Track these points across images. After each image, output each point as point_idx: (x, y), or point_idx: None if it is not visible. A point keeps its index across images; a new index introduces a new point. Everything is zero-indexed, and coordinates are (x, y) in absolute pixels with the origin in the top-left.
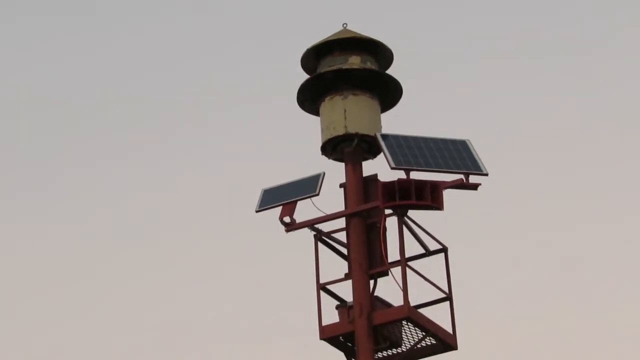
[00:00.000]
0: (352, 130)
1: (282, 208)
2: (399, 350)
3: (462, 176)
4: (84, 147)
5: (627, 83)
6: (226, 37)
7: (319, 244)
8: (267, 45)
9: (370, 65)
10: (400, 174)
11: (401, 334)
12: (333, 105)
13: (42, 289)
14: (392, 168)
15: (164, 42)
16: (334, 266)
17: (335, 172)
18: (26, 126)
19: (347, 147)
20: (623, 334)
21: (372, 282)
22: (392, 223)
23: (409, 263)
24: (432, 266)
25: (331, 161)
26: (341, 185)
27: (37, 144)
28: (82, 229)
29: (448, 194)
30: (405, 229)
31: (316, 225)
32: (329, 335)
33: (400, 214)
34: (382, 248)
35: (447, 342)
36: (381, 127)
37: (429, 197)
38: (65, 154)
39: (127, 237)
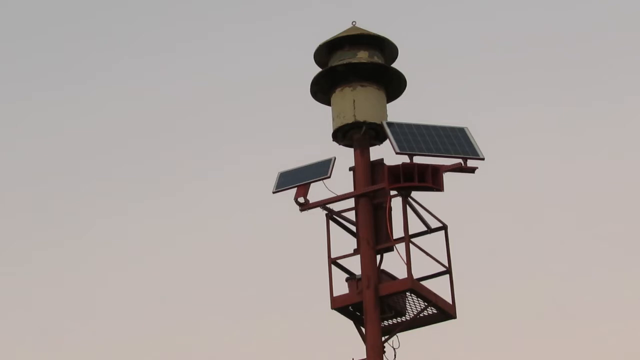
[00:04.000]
0: (360, 118)
1: (297, 189)
2: (403, 318)
3: (460, 160)
4: None
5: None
6: (247, 32)
7: (330, 222)
8: (284, 40)
9: (377, 59)
10: (405, 159)
11: (405, 304)
12: (343, 95)
13: None
14: (397, 153)
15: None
16: (344, 242)
17: (345, 156)
18: None
19: (356, 134)
20: (621, 303)
21: (378, 257)
22: (396, 203)
23: (412, 239)
24: (433, 242)
25: (341, 147)
26: (350, 169)
27: None
28: None
29: (448, 177)
30: (408, 208)
31: (328, 205)
32: (339, 305)
33: (404, 194)
34: (388, 226)
35: (447, 312)
36: (387, 115)
37: (431, 179)
38: None
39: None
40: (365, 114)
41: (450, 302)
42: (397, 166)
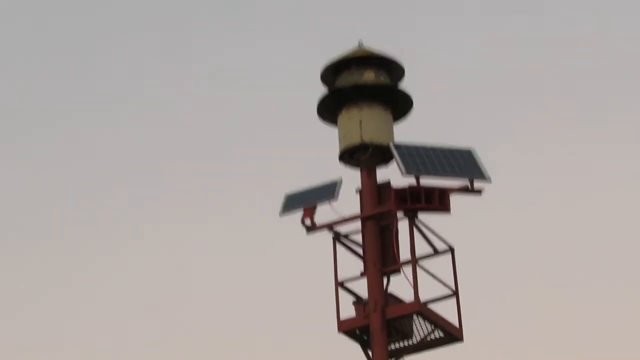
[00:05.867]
0: (367, 139)
1: (304, 211)
2: (410, 342)
3: (467, 182)
4: None
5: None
6: (253, 53)
7: (337, 244)
8: (291, 60)
9: (383, 79)
10: (411, 180)
11: (412, 327)
12: (350, 116)
13: None
14: (404, 175)
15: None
16: (351, 265)
17: (351, 178)
18: None
19: (362, 155)
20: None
21: (385, 279)
22: (403, 225)
23: (419, 262)
24: (440, 265)
25: (348, 168)
26: (357, 191)
27: None
28: None
29: (455, 199)
30: (415, 230)
31: (334, 228)
32: (347, 328)
33: (411, 216)
34: (395, 248)
35: (454, 335)
36: (394, 136)
37: (437, 201)
38: None
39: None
40: (372, 135)
41: (457, 325)
42: (404, 188)
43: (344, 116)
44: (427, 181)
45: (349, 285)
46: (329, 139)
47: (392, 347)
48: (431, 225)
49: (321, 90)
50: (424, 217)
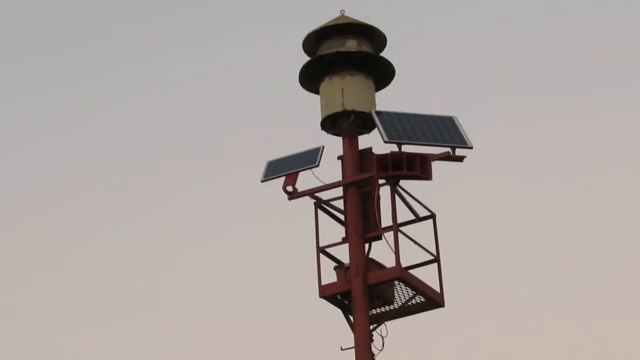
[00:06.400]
0: (349, 107)
1: (285, 178)
2: (392, 307)
3: (449, 149)
4: None
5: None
6: (235, 22)
7: (319, 211)
8: (272, 29)
9: (365, 48)
10: (393, 147)
11: (393, 293)
12: (332, 84)
13: None
14: (385, 142)
15: (168, 32)
16: (333, 231)
17: (333, 145)
18: None
19: (344, 123)
20: (609, 294)
21: (367, 245)
22: (385, 192)
23: (401, 228)
24: (422, 231)
25: (330, 136)
26: (339, 158)
27: None
28: None
29: (436, 166)
30: (397, 197)
31: (316, 194)
32: (328, 293)
33: (393, 183)
34: (376, 214)
35: (435, 300)
36: (376, 104)
37: (419, 168)
38: None
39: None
40: (354, 103)
41: (439, 291)
42: (385, 155)
43: (326, 84)
44: (408, 148)
45: (330, 251)
46: (311, 108)
47: (374, 312)
48: (413, 192)
49: (304, 59)
50: (405, 184)
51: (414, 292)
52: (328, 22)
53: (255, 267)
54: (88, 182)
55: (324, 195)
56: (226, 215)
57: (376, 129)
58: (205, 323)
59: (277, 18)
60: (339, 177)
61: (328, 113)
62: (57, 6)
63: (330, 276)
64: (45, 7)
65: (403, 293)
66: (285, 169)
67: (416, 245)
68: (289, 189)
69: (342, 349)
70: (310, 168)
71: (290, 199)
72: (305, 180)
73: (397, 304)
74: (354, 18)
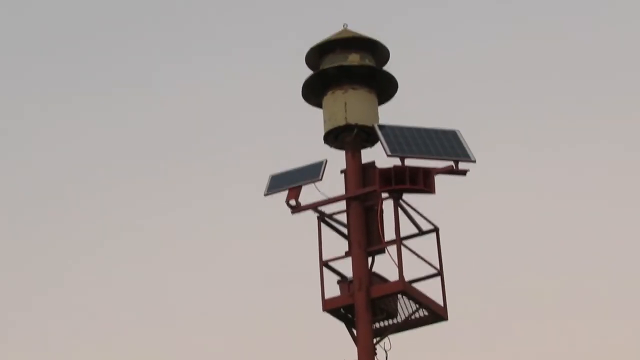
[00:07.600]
0: (352, 121)
1: (289, 192)
2: (395, 320)
3: (452, 163)
4: None
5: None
6: (239, 36)
7: (322, 224)
8: (276, 43)
9: (368, 62)
10: (396, 161)
11: (397, 306)
12: (334, 98)
13: None
14: (389, 155)
15: (178, 42)
16: (336, 245)
17: (336, 159)
18: None
19: (347, 137)
20: (614, 304)
21: (370, 259)
22: (388, 206)
23: (404, 242)
24: (425, 245)
25: (333, 149)
26: (342, 172)
27: None
28: None
29: (439, 179)
30: (400, 211)
31: (319, 208)
32: (331, 307)
33: (396, 197)
34: (379, 228)
35: (438, 314)
36: (378, 118)
37: (422, 182)
38: None
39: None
40: (357, 117)
41: (442, 304)
42: (388, 169)
43: (328, 98)
44: (411, 162)
45: (333, 264)
46: (314, 122)
47: (377, 325)
48: (416, 206)
49: (306, 72)
50: (408, 197)
51: (417, 306)
52: (331, 36)
53: (258, 281)
54: (88, 192)
55: (327, 209)
56: (229, 228)
57: (379, 142)
58: (208, 337)
59: (280, 33)
60: (342, 190)
61: (331, 127)
62: (57, 11)
63: (333, 290)
64: (46, 14)
65: (406, 306)
66: (289, 183)
67: (419, 259)
68: (292, 202)
69: None
70: (313, 182)
71: (293, 212)
72: (309, 194)
73: (401, 317)
74: (357, 32)
